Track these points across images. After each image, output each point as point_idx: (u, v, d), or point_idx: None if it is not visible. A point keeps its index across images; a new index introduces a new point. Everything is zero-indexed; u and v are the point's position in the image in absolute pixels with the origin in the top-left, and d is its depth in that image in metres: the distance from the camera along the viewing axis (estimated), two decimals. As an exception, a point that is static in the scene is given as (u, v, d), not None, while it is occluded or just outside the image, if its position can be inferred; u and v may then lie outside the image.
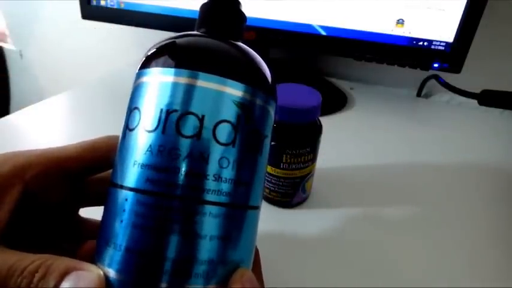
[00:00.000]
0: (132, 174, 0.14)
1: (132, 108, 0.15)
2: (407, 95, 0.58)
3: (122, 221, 0.14)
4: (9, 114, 0.47)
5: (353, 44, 0.46)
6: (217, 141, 0.14)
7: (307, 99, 0.27)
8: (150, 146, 0.14)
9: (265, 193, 0.32)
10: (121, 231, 0.13)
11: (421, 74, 0.54)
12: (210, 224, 0.14)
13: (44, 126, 0.46)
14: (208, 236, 0.14)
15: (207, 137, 0.14)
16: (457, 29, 0.42)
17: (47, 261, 0.13)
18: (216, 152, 0.14)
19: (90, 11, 0.56)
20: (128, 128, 0.15)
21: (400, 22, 0.44)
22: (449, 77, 0.50)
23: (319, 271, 0.26)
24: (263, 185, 0.17)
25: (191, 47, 0.15)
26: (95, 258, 0.14)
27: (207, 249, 0.13)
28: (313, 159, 0.30)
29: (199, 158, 0.14)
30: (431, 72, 0.50)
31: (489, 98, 0.46)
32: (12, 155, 0.16)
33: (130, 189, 0.14)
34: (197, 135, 0.14)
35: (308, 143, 0.28)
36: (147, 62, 0.15)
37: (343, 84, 0.60)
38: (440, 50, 0.43)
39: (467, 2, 0.40)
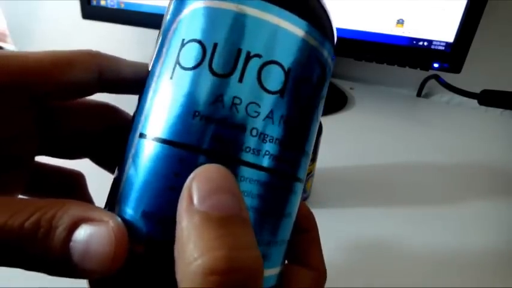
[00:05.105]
0: (190, 128, 0.11)
1: (184, 41, 0.12)
2: (407, 95, 0.58)
3: (173, 188, 0.11)
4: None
5: (353, 44, 0.46)
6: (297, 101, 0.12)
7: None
8: (221, 95, 0.11)
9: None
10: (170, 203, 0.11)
11: (421, 74, 0.54)
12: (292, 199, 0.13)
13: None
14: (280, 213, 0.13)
15: (291, 96, 0.12)
16: (457, 29, 0.42)
17: (47, 212, 0.10)
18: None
19: (90, 11, 0.56)
20: (180, 66, 0.12)
21: (400, 22, 0.44)
22: (449, 77, 0.50)
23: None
24: None
25: None
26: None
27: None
28: (313, 159, 0.30)
29: (279, 122, 0.12)
30: (431, 72, 0.50)
31: (489, 98, 0.46)
32: None
33: (189, 147, 0.11)
34: (281, 91, 0.12)
35: (308, 143, 0.28)
36: None
37: (343, 84, 0.60)
38: (440, 50, 0.43)
39: (467, 2, 0.40)
